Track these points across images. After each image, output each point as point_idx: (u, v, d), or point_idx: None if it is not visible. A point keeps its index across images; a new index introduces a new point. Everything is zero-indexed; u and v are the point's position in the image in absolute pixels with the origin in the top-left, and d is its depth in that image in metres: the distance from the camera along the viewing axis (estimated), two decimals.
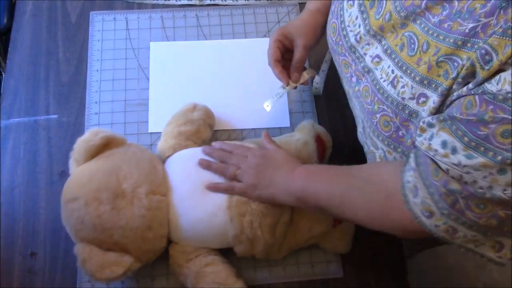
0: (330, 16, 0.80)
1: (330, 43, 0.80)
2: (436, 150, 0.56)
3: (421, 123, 0.60)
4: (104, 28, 1.06)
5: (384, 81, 0.65)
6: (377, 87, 0.66)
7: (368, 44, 0.69)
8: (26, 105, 0.97)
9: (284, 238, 0.81)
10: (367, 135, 0.74)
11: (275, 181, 0.75)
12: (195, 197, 0.79)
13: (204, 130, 0.90)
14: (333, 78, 1.02)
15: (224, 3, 1.11)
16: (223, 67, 1.04)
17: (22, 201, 0.89)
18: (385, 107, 0.65)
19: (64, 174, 0.87)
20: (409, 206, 0.60)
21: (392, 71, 0.64)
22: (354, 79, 0.72)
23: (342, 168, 0.72)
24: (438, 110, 0.59)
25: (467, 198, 0.55)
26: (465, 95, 0.54)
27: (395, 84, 0.63)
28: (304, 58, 0.86)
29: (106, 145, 0.80)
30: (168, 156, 0.85)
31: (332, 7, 0.80)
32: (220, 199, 0.78)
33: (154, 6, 1.10)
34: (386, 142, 0.68)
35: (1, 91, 1.01)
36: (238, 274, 0.80)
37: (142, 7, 1.10)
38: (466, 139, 0.53)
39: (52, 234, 0.86)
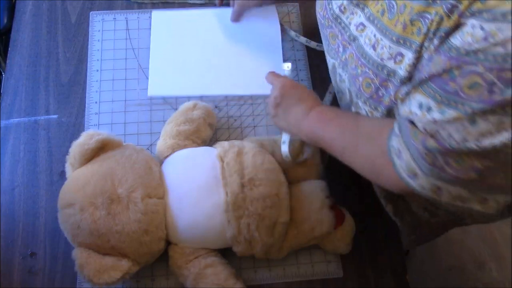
0: None
1: (318, 19, 0.85)
2: (416, 114, 0.59)
3: (399, 95, 0.64)
4: (104, 28, 1.06)
5: (367, 45, 0.69)
6: (360, 51, 0.70)
7: (352, 13, 0.74)
8: (26, 105, 0.97)
9: (284, 238, 0.81)
10: (353, 103, 0.77)
11: (291, 115, 0.80)
12: (192, 199, 0.78)
13: (204, 129, 0.89)
14: None
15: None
16: (223, 35, 1.06)
17: (22, 201, 0.89)
18: (366, 69, 0.69)
19: (64, 174, 0.87)
20: (396, 168, 0.63)
21: (374, 36, 0.68)
22: (341, 48, 0.76)
23: (351, 119, 0.75)
24: (414, 67, 0.62)
25: (445, 154, 0.57)
26: (432, 56, 0.58)
27: (376, 46, 0.68)
28: None
29: (102, 147, 0.80)
30: (167, 156, 0.85)
31: None
32: (217, 202, 0.78)
33: (154, 6, 1.10)
34: (368, 103, 0.72)
35: (1, 91, 1.01)
36: (237, 275, 0.80)
37: (142, 7, 1.10)
38: (438, 96, 0.56)
39: (52, 234, 0.86)
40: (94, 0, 1.10)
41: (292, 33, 1.07)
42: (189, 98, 0.98)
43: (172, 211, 0.78)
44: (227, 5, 1.09)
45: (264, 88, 0.98)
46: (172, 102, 0.99)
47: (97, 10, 1.08)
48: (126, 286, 0.83)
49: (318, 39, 1.06)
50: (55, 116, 0.97)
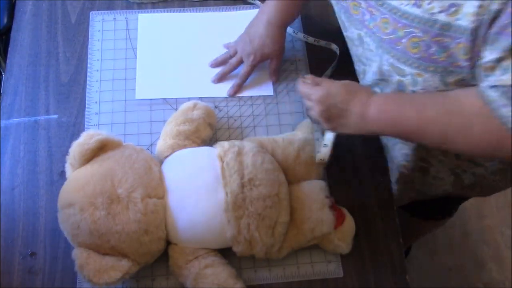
0: None
1: None
2: None
3: (482, 64, 0.61)
4: (104, 28, 1.06)
5: (406, 5, 0.66)
6: (398, 13, 0.68)
7: None
8: (26, 105, 0.97)
9: (284, 238, 0.81)
10: (387, 70, 0.74)
11: (349, 118, 0.76)
12: (192, 199, 0.78)
13: (204, 129, 0.89)
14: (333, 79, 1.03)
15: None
16: (210, 38, 1.06)
17: (22, 201, 0.89)
18: (412, 29, 0.67)
19: (64, 174, 0.87)
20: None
21: None
22: (367, 16, 0.74)
23: (423, 95, 0.72)
24: (478, 15, 0.59)
25: None
26: None
27: (420, 3, 0.65)
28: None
29: (102, 147, 0.80)
30: (167, 156, 0.85)
31: None
32: (217, 202, 0.78)
33: (154, 6, 1.10)
34: (415, 65, 0.69)
35: (1, 91, 1.01)
36: (237, 276, 0.80)
37: (142, 7, 1.10)
38: None
39: (52, 234, 0.86)
40: (94, 0, 1.10)
41: (289, 29, 1.07)
42: (189, 98, 0.98)
43: (172, 211, 0.78)
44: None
45: (246, 90, 1.01)
46: (172, 102, 0.99)
47: (97, 10, 1.08)
48: (126, 286, 0.83)
49: (318, 37, 1.07)
50: (55, 116, 0.97)
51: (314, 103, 0.78)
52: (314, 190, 0.84)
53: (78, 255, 0.74)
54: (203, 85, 1.01)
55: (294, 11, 0.97)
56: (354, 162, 0.95)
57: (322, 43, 1.05)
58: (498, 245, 1.74)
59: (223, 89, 1.00)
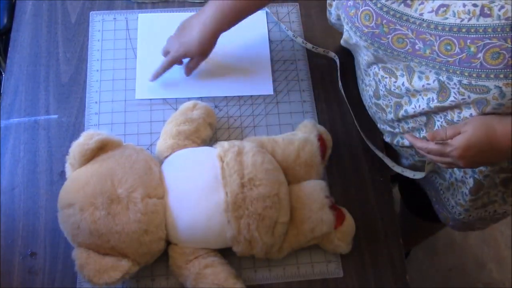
0: (358, 4, 0.75)
1: (366, 33, 0.76)
2: None
3: None
4: (104, 28, 1.06)
5: (470, 19, 0.63)
6: (463, 30, 0.64)
7: (422, 2, 0.68)
8: (26, 105, 0.97)
9: (284, 238, 0.81)
10: (456, 93, 0.70)
11: (496, 150, 0.70)
12: (192, 199, 0.79)
13: (204, 129, 0.89)
14: (332, 79, 1.03)
15: None
16: None
17: (22, 201, 0.89)
18: (487, 40, 0.63)
19: (64, 174, 0.87)
20: None
21: (474, 5, 0.63)
22: (418, 46, 0.70)
23: None
24: None
25: None
26: None
27: (488, 12, 0.62)
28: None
29: (102, 147, 0.80)
30: (167, 157, 0.85)
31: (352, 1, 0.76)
32: (217, 202, 0.78)
33: (154, 6, 1.10)
34: (502, 75, 0.65)
35: (1, 91, 1.01)
36: (237, 275, 0.80)
37: (142, 7, 1.10)
38: None
39: (52, 234, 0.86)
40: (94, 0, 1.10)
41: (290, 33, 1.07)
42: (189, 98, 0.98)
43: (172, 211, 0.78)
44: None
45: (246, 89, 1.01)
46: (172, 102, 0.99)
47: (97, 10, 1.08)
48: (126, 286, 0.83)
49: (318, 39, 1.07)
50: (55, 116, 0.97)
51: (455, 159, 0.72)
52: (314, 190, 0.84)
53: (78, 255, 0.75)
54: (203, 85, 1.01)
55: (232, 22, 0.93)
56: (354, 162, 0.95)
57: (320, 50, 1.05)
58: (498, 245, 1.74)
59: (223, 89, 1.00)
